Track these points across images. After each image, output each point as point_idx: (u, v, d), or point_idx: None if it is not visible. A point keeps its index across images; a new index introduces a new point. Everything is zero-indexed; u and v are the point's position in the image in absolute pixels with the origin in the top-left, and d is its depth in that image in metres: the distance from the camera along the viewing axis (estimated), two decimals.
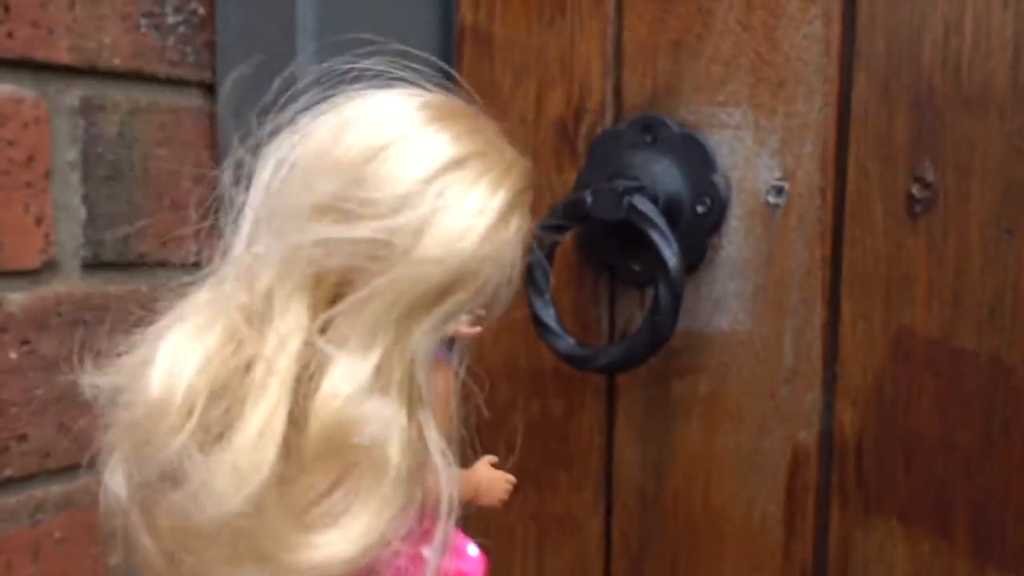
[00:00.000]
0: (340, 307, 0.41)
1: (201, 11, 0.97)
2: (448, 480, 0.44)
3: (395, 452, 0.41)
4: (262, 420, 0.40)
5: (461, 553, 0.51)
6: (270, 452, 0.40)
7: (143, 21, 0.92)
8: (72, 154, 0.88)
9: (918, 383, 0.85)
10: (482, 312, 0.45)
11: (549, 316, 0.95)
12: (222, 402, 0.40)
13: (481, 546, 0.54)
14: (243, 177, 0.44)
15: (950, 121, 0.84)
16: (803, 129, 0.89)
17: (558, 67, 0.99)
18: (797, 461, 0.90)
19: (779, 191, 0.91)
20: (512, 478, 0.54)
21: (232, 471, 0.39)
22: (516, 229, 0.44)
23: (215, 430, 0.40)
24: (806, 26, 0.88)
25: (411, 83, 0.48)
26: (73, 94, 0.88)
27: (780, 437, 0.91)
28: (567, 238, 1.01)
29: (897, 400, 0.86)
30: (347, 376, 0.41)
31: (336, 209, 0.41)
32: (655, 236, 0.89)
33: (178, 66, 0.95)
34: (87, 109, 0.89)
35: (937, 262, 0.85)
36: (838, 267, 0.89)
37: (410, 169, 0.43)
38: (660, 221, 0.89)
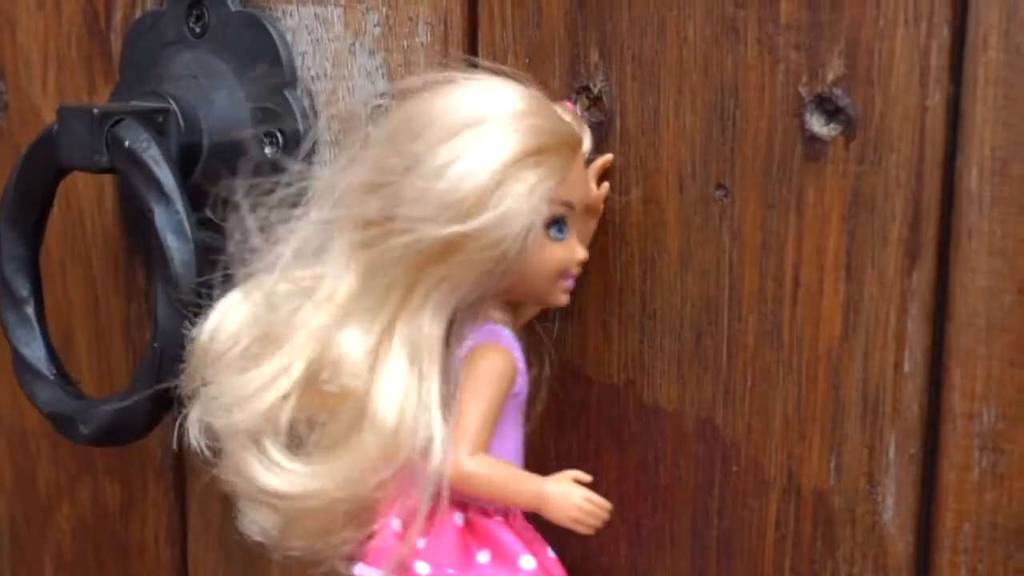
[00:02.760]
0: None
1: None
2: (439, 453, 0.41)
3: (380, 401, 0.41)
4: (285, 359, 0.43)
5: (511, 561, 0.42)
6: (282, 384, 0.43)
7: None
8: None
9: None
10: None
11: (32, 342, 0.56)
12: (260, 345, 0.44)
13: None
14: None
15: None
16: (416, 3, 0.49)
17: None
18: None
19: None
20: (606, 504, 0.41)
21: (244, 390, 0.43)
22: (530, 184, 0.40)
23: (247, 367, 0.44)
24: None
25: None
26: None
27: None
28: (87, 205, 0.61)
29: None
30: (357, 328, 0.42)
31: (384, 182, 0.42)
32: (150, 199, 0.50)
33: None
34: None
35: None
36: None
37: (458, 112, 0.41)
38: (160, 171, 0.50)
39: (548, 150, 0.41)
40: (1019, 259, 0.38)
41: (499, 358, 0.42)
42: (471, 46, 0.48)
